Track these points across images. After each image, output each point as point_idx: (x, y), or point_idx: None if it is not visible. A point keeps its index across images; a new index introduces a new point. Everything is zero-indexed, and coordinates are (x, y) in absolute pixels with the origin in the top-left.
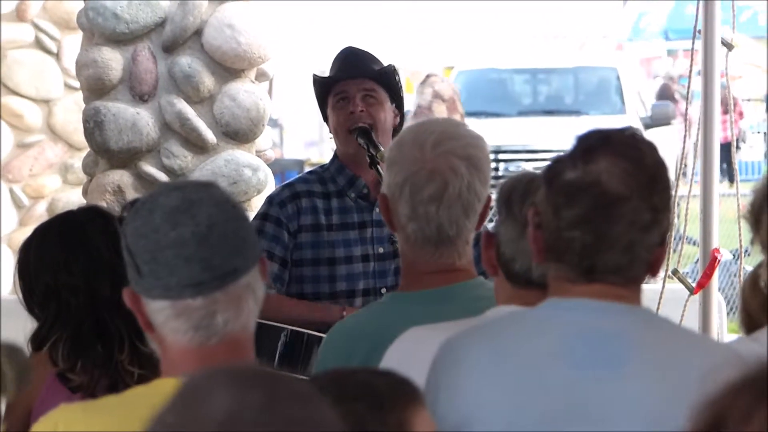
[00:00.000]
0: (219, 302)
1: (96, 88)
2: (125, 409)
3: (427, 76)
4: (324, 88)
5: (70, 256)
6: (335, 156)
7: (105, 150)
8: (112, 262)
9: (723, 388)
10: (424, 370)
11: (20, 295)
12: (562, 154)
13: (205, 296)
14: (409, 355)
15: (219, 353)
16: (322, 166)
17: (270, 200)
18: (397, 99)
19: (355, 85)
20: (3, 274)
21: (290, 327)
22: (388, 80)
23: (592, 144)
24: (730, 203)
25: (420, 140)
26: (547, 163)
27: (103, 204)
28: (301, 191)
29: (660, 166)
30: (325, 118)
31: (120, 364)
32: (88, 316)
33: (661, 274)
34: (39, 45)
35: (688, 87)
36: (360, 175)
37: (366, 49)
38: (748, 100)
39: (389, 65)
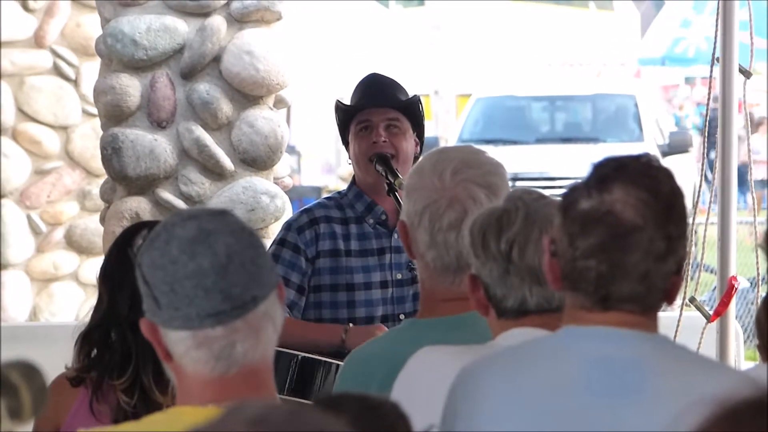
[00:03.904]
0: (239, 331)
1: (114, 114)
2: None
3: None
4: (346, 115)
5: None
6: (353, 182)
7: (122, 177)
8: None
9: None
10: (437, 387)
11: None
12: (577, 181)
13: (225, 326)
14: (423, 372)
15: (237, 384)
16: (340, 192)
17: (288, 226)
18: (419, 128)
19: (378, 114)
20: (21, 300)
21: (302, 353)
22: (412, 110)
23: (607, 172)
24: (748, 231)
25: (439, 168)
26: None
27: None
28: (319, 216)
29: (676, 194)
30: (346, 144)
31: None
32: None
33: (678, 301)
34: (57, 71)
35: (706, 114)
36: (378, 203)
37: (390, 76)
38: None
39: (414, 95)
